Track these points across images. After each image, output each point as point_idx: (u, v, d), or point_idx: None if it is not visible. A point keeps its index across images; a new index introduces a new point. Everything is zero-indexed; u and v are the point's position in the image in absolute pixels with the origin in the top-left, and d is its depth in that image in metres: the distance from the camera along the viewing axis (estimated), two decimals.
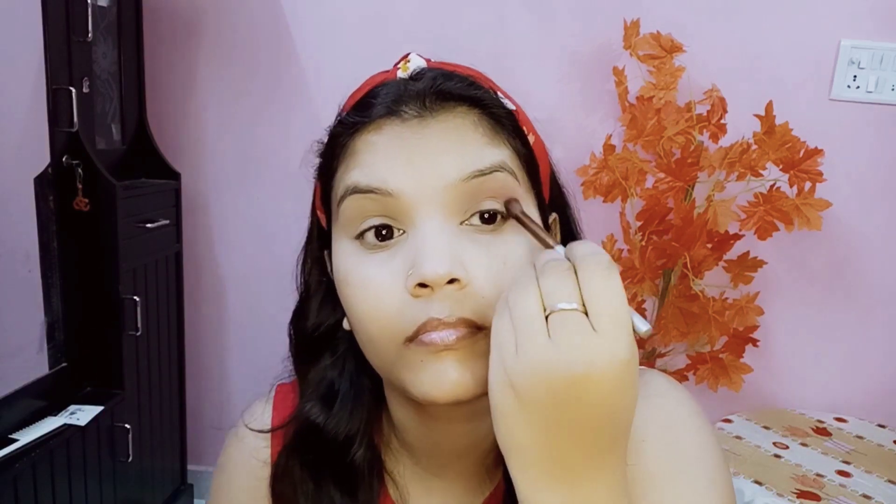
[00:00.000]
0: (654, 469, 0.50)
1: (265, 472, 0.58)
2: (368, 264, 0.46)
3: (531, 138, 0.51)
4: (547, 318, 0.37)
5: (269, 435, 0.59)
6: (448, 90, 0.46)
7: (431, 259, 0.43)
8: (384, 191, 0.45)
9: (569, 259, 0.39)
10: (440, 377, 0.44)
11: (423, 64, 0.49)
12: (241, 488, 0.59)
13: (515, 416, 0.37)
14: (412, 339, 0.44)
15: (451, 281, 0.43)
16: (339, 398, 0.54)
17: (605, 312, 0.36)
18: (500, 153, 0.46)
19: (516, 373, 0.37)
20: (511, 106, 0.50)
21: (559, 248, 0.42)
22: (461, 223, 0.46)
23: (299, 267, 0.56)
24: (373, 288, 0.46)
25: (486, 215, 0.46)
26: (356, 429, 0.54)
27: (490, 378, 0.39)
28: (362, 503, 0.55)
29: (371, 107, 0.47)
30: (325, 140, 0.51)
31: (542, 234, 0.44)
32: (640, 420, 0.51)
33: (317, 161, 0.52)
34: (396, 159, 0.45)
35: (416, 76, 0.48)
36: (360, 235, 0.47)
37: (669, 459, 0.50)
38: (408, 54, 0.50)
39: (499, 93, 0.50)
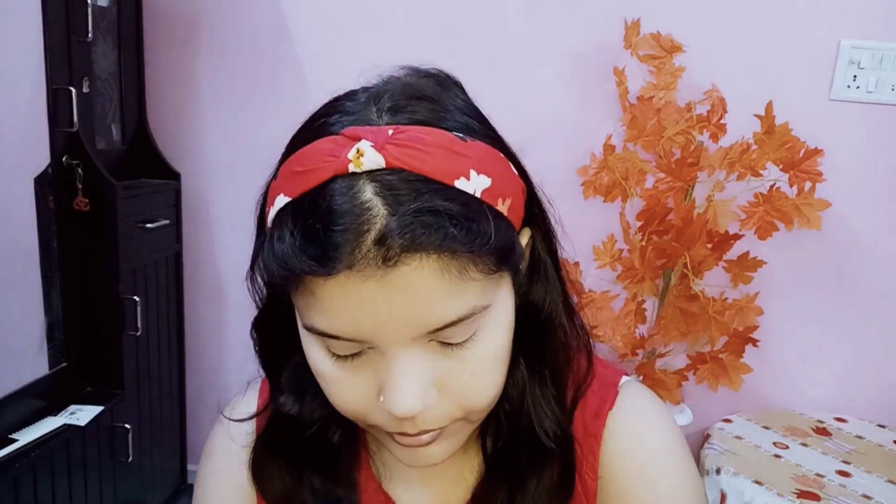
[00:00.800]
0: (646, 481, 0.54)
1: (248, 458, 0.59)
2: (338, 368, 0.46)
3: (506, 205, 0.45)
4: None
5: (253, 421, 0.59)
6: (414, 243, 0.39)
7: (401, 398, 0.43)
8: (351, 338, 0.43)
9: None
10: (413, 458, 0.49)
11: (381, 163, 0.41)
12: (227, 474, 0.60)
13: None
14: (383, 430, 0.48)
15: None
16: (311, 388, 0.53)
17: None
18: (468, 300, 0.42)
19: None
20: (485, 183, 0.43)
21: None
22: (430, 339, 0.44)
23: (248, 283, 0.52)
24: (344, 391, 0.46)
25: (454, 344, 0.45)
26: (330, 411, 0.53)
27: None
28: (341, 484, 0.56)
29: (324, 250, 0.40)
30: (273, 215, 0.45)
31: None
32: (635, 440, 0.55)
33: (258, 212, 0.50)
34: (360, 316, 0.42)
35: (371, 172, 0.41)
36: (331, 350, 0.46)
37: (660, 473, 0.54)
38: (360, 140, 0.42)
39: (468, 176, 0.42)
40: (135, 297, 1.49)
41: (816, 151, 1.42)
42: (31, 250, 1.36)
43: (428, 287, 0.41)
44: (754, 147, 1.44)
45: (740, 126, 1.46)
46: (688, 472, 0.55)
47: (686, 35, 1.50)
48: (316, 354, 0.46)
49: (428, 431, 0.46)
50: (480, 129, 0.47)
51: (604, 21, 1.62)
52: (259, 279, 0.52)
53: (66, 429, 1.34)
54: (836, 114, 1.61)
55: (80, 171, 1.38)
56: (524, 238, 0.50)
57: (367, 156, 0.41)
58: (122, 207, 1.44)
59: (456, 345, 0.44)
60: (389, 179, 0.41)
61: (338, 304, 0.41)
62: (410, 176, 0.41)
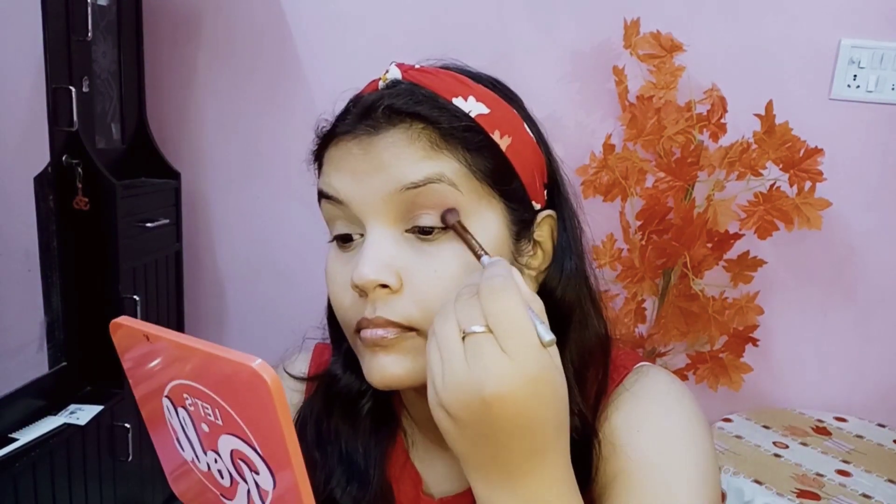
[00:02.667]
0: (645, 457, 0.53)
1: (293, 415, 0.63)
2: (337, 261, 0.53)
3: (506, 141, 0.52)
4: (465, 340, 0.42)
5: (303, 384, 0.65)
6: (393, 107, 0.50)
7: (362, 265, 0.48)
8: (337, 199, 0.51)
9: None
10: (373, 367, 0.51)
11: (398, 76, 0.53)
12: None
13: (451, 431, 0.43)
14: (357, 331, 0.51)
15: (383, 286, 0.49)
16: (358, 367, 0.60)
17: (509, 333, 0.41)
18: (436, 166, 0.49)
19: (443, 395, 0.42)
20: (483, 109, 0.51)
21: (486, 259, 0.47)
22: (406, 230, 0.50)
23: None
24: (336, 283, 0.53)
25: (424, 228, 0.50)
26: (367, 387, 0.59)
27: (428, 399, 0.44)
28: (363, 445, 0.60)
29: (340, 122, 0.52)
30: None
31: (475, 245, 0.48)
32: (638, 412, 0.55)
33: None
34: (346, 173, 0.51)
35: (390, 86, 0.53)
36: (334, 237, 0.54)
37: (660, 451, 0.53)
38: (391, 64, 0.54)
39: (466, 98, 0.51)
40: (135, 297, 1.49)
41: (816, 151, 1.41)
42: (31, 250, 1.36)
43: (398, 150, 0.49)
44: (754, 146, 1.43)
45: (740, 125, 1.46)
46: (690, 451, 0.53)
47: (686, 35, 1.50)
48: (328, 254, 0.54)
49: (385, 324, 0.49)
50: (503, 92, 0.56)
51: (604, 20, 1.62)
52: None
53: (66, 428, 1.34)
54: (836, 113, 1.61)
55: (79, 170, 1.38)
56: (546, 219, 0.55)
57: (390, 72, 0.53)
58: (121, 207, 1.44)
59: (427, 240, 0.50)
60: (399, 87, 0.52)
61: (334, 164, 0.52)
62: (416, 87, 0.51)
